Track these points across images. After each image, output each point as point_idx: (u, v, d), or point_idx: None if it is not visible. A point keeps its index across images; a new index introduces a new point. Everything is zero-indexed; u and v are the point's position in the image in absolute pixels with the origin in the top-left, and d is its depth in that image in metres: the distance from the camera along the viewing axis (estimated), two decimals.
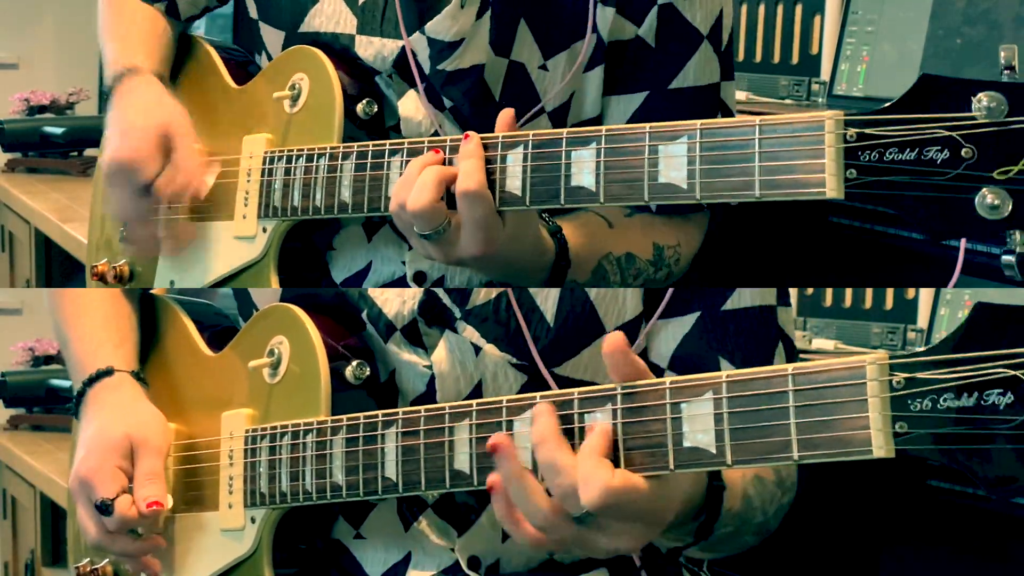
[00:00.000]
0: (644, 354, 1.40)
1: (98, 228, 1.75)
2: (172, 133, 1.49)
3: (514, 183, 1.29)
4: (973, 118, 1.06)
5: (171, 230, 1.54)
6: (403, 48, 1.47)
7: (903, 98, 1.08)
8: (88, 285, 1.74)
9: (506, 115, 1.32)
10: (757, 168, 1.14)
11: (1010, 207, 1.05)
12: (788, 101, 2.42)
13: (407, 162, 1.36)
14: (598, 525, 1.13)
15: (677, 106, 1.49)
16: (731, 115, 1.54)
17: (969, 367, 0.98)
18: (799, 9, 2.49)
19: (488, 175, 1.30)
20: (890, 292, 2.41)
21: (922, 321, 2.36)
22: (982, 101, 1.06)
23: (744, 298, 1.40)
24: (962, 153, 1.06)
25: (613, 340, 1.14)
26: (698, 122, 1.18)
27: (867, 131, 1.09)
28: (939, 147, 1.07)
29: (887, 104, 1.09)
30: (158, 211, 1.50)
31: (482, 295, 1.38)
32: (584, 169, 1.25)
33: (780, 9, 2.51)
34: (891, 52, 2.29)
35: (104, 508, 1.39)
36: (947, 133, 1.06)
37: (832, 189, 1.10)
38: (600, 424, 1.14)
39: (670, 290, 1.39)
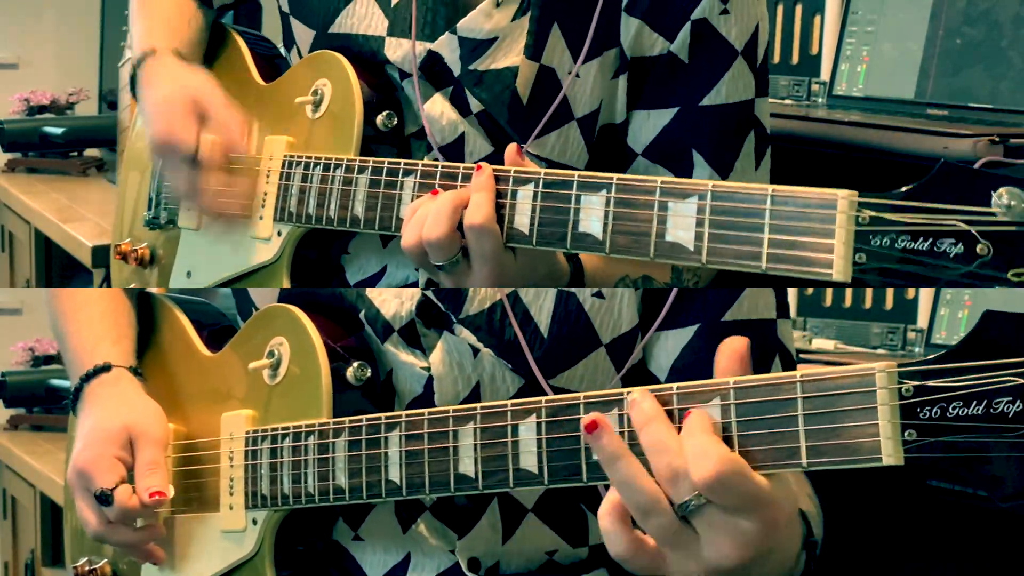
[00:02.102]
0: (642, 365, 1.40)
1: (126, 210, 1.76)
2: (200, 98, 1.50)
3: (522, 220, 1.27)
4: (992, 214, 1.01)
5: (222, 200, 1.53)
6: (430, 51, 1.46)
7: (922, 184, 1.04)
8: (111, 264, 1.75)
9: (512, 150, 1.30)
10: (766, 240, 1.11)
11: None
12: (788, 101, 2.41)
13: (420, 184, 1.35)
14: (703, 519, 1.05)
15: (707, 123, 1.46)
16: (764, 132, 1.51)
17: (978, 375, 0.98)
18: (799, 9, 2.49)
19: (497, 209, 1.28)
20: (890, 292, 2.42)
21: (922, 321, 2.37)
22: (1003, 198, 1.01)
23: (743, 309, 1.39)
24: (977, 249, 1.02)
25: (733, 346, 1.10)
26: (709, 183, 1.15)
27: (882, 215, 1.05)
28: (954, 240, 1.03)
29: (904, 189, 1.05)
30: (211, 178, 1.50)
31: (475, 304, 1.37)
32: (592, 216, 1.23)
33: (780, 9, 2.51)
34: (891, 52, 2.29)
35: (104, 498, 1.39)
36: (965, 227, 1.02)
37: (839, 272, 1.06)
38: (696, 408, 1.09)
39: (668, 302, 1.38)
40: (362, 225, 1.41)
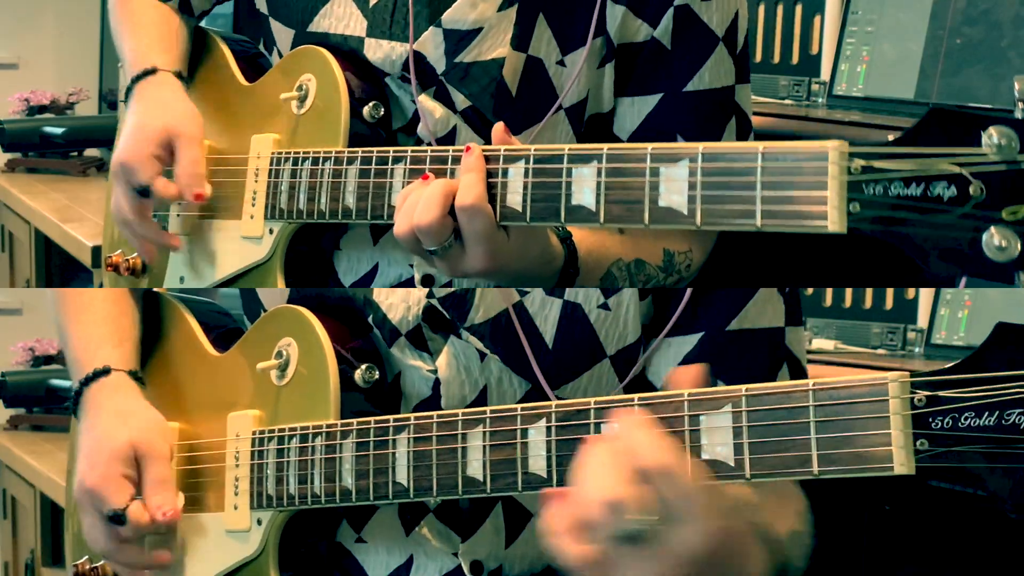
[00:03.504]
0: (643, 373, 1.39)
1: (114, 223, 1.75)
2: (176, 136, 1.50)
3: (515, 198, 1.27)
4: (983, 154, 1.01)
5: (158, 237, 1.55)
6: (414, 52, 1.46)
7: (911, 130, 1.04)
8: (102, 275, 1.74)
9: (499, 129, 1.31)
10: (759, 197, 1.11)
11: (1019, 248, 1.01)
12: (788, 101, 2.42)
13: (410, 170, 1.36)
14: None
15: (691, 108, 1.48)
16: (746, 119, 1.53)
17: (990, 386, 0.98)
18: (799, 9, 2.49)
19: (489, 189, 1.28)
20: (890, 292, 2.42)
21: (922, 321, 2.37)
22: (992, 137, 1.01)
23: (749, 318, 1.38)
24: (970, 190, 1.02)
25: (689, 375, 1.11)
26: (700, 145, 1.15)
27: (873, 164, 1.05)
28: (947, 183, 1.02)
29: (895, 137, 1.05)
30: (149, 213, 1.52)
31: (481, 313, 1.37)
32: (585, 187, 1.23)
33: (780, 9, 2.51)
34: (891, 52, 2.30)
35: (118, 518, 1.38)
36: (956, 169, 1.02)
37: (834, 223, 1.06)
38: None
39: (676, 314, 1.37)
40: (354, 215, 1.41)
